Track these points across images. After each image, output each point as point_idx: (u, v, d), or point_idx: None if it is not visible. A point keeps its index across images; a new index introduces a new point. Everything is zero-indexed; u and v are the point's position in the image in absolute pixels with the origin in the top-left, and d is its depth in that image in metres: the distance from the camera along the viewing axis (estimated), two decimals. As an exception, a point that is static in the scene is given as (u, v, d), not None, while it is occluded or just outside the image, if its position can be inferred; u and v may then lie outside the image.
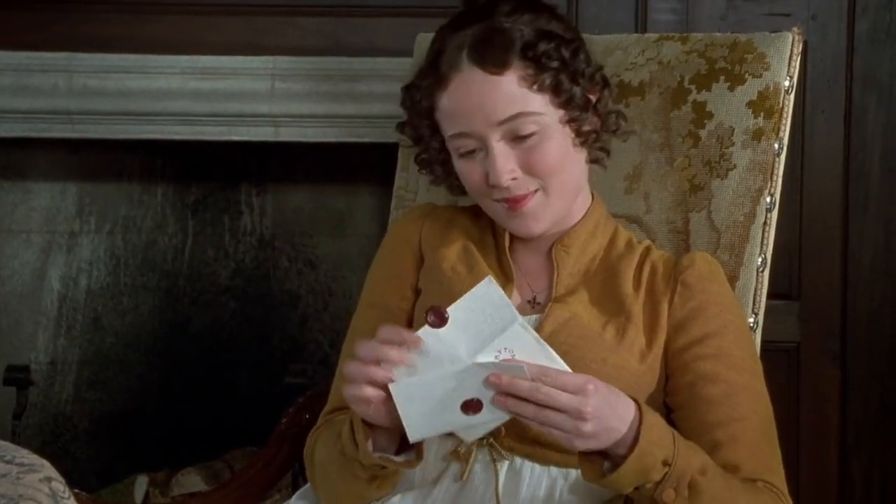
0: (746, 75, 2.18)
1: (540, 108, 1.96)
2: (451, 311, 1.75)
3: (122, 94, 2.95)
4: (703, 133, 2.19)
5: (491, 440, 1.92)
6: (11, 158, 3.19)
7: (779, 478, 1.94)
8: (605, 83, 2.04)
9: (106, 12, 3.00)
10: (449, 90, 1.96)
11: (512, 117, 1.94)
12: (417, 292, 2.08)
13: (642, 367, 1.96)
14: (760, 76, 2.18)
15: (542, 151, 1.96)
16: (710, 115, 2.19)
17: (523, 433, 1.91)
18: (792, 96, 2.17)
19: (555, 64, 1.95)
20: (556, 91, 1.96)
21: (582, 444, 1.75)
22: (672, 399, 1.98)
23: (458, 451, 1.94)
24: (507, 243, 2.06)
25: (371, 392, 1.78)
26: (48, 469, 1.46)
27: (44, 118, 2.97)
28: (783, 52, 2.18)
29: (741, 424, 1.92)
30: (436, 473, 1.95)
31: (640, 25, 2.97)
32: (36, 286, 3.26)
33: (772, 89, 2.17)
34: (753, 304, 2.14)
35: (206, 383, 3.28)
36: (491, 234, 2.09)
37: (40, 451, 3.09)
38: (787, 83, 2.18)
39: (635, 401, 1.79)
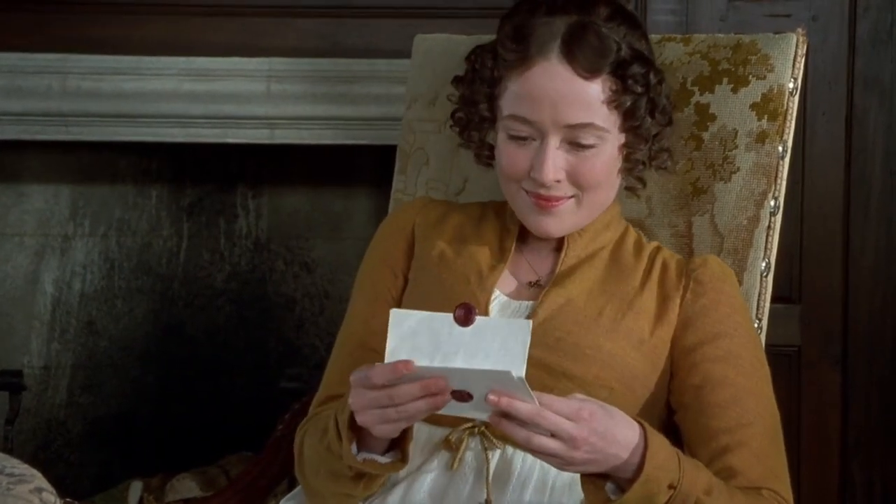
0: (750, 77, 2.15)
1: (608, 126, 1.92)
2: (478, 320, 1.69)
3: (117, 96, 2.96)
4: (705, 135, 2.15)
5: (483, 428, 1.90)
6: (5, 161, 3.19)
7: (784, 485, 1.92)
8: (671, 121, 2.02)
9: (100, 13, 3.00)
10: (530, 73, 1.92)
11: (581, 125, 1.91)
12: (407, 280, 2.06)
13: (638, 356, 1.93)
14: (764, 78, 2.15)
15: (593, 165, 1.93)
16: (713, 118, 2.16)
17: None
18: (796, 98, 2.14)
19: (640, 89, 1.93)
20: (629, 115, 1.94)
21: (573, 470, 1.74)
22: (677, 399, 1.96)
23: (448, 439, 1.91)
24: (517, 228, 2.03)
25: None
26: (39, 479, 1.44)
27: (37, 120, 2.98)
28: (787, 53, 2.14)
29: (748, 430, 1.90)
30: (425, 461, 1.93)
31: (640, 27, 2.95)
32: (29, 290, 3.26)
33: (776, 91, 2.14)
34: (757, 309, 2.11)
35: (201, 388, 3.28)
36: (495, 223, 2.06)
37: (33, 457, 3.08)
38: (791, 85, 2.14)
39: (640, 423, 1.76)
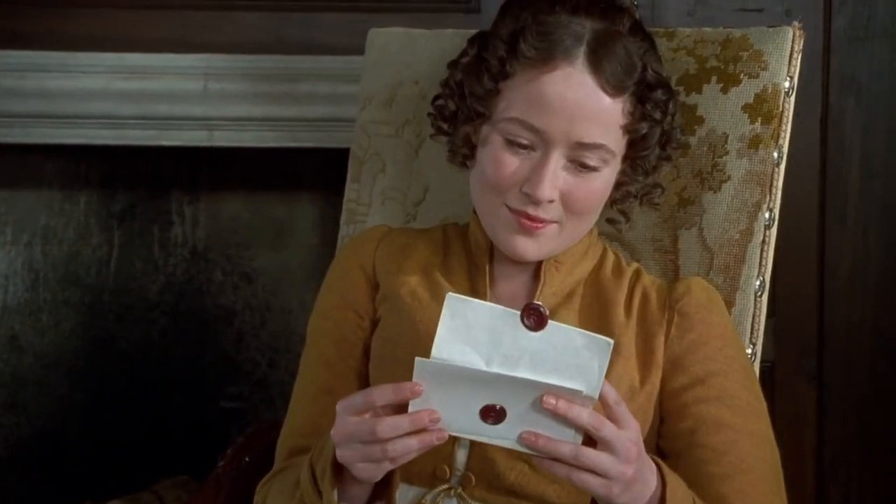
0: (741, 75, 2.09)
1: (616, 151, 1.84)
2: (551, 326, 1.55)
3: (42, 95, 2.91)
4: (693, 140, 2.09)
5: (459, 490, 1.81)
6: (-80, 164, 3.15)
7: None
8: (670, 157, 1.96)
9: (24, 6, 2.93)
10: (550, 77, 1.79)
11: (594, 145, 1.80)
12: (373, 321, 1.96)
13: (632, 407, 1.82)
14: (757, 76, 2.08)
15: (590, 191, 1.83)
16: (701, 121, 2.09)
17: (496, 482, 1.80)
18: (793, 98, 2.10)
19: (658, 116, 1.86)
20: (639, 143, 1.86)
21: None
22: (669, 445, 1.87)
23: (422, 502, 1.81)
24: (486, 265, 1.93)
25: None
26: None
27: (-44, 121, 2.95)
28: (783, 49, 2.11)
29: (749, 477, 1.83)
30: None
31: (603, 21, 2.88)
32: (-53, 302, 3.23)
33: (770, 91, 2.08)
34: (751, 332, 2.05)
35: (134, 407, 3.20)
36: (461, 255, 1.96)
37: (-50, 487, 2.91)
38: (787, 84, 2.10)
39: (655, 461, 1.71)
